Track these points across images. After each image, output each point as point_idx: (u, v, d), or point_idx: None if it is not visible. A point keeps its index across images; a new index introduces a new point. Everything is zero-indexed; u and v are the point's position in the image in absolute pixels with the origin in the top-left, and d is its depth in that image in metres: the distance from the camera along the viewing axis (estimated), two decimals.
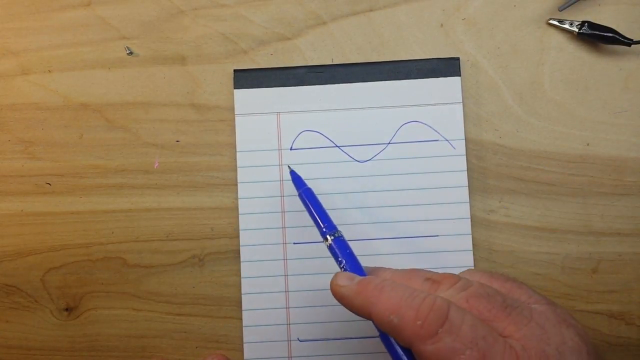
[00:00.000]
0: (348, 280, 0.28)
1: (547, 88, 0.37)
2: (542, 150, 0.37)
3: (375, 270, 0.30)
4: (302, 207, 0.36)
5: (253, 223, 0.36)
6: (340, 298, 0.28)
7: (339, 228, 0.31)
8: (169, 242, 0.37)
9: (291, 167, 0.35)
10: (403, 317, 0.25)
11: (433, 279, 0.27)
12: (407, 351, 0.26)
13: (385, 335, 0.27)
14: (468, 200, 0.36)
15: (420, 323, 0.24)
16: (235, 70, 0.37)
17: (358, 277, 0.28)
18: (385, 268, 0.30)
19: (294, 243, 0.36)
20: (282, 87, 0.37)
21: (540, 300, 0.27)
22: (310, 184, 0.36)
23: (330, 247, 0.31)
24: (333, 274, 0.36)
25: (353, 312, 0.28)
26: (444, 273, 0.27)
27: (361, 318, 0.35)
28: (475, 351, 0.23)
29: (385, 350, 0.36)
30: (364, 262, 0.36)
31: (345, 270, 0.30)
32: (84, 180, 0.37)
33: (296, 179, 0.34)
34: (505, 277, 0.28)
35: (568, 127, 0.37)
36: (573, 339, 0.25)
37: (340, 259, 0.30)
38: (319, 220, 0.32)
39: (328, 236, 0.31)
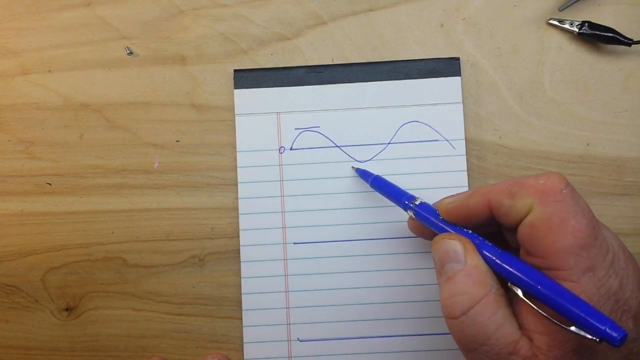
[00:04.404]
0: (451, 198, 0.28)
1: (547, 88, 0.37)
2: (542, 150, 0.37)
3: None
4: (302, 207, 0.36)
5: (253, 223, 0.36)
6: (448, 211, 0.28)
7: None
8: (169, 242, 0.37)
9: (354, 167, 0.36)
10: (523, 183, 0.25)
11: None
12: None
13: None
14: None
15: (543, 182, 0.25)
16: (235, 70, 0.37)
17: (464, 193, 0.28)
18: None
19: (294, 243, 0.36)
20: (282, 87, 0.37)
21: None
22: (310, 184, 0.36)
23: (417, 214, 0.30)
24: (333, 274, 0.36)
25: (454, 221, 0.28)
26: None
27: (362, 318, 0.35)
28: (591, 224, 0.24)
29: (387, 350, 0.36)
30: (362, 263, 0.36)
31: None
32: (84, 180, 0.37)
33: (362, 173, 0.35)
34: None
35: (568, 127, 0.37)
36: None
37: (433, 220, 0.29)
38: (397, 197, 0.32)
39: (411, 204, 0.31)
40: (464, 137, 0.36)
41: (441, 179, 0.36)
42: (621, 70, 0.37)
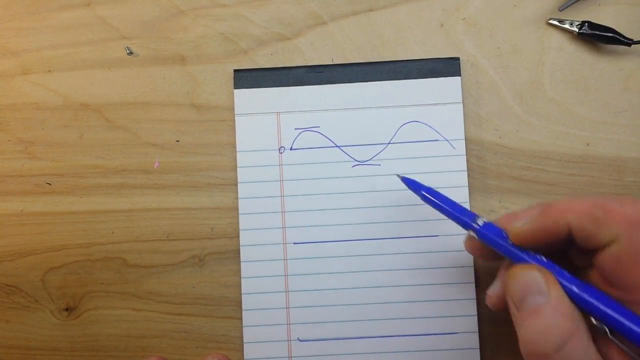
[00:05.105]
0: (521, 219, 0.27)
1: (547, 88, 0.37)
2: (542, 150, 0.37)
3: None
4: (302, 207, 0.36)
5: (253, 223, 0.36)
6: (520, 235, 0.26)
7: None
8: (169, 242, 0.37)
9: (400, 175, 0.33)
10: (608, 209, 0.24)
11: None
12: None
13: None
14: (468, 200, 0.36)
15: (631, 212, 0.24)
16: (235, 70, 0.37)
17: (532, 211, 0.27)
18: None
19: (294, 243, 0.36)
20: (282, 87, 0.37)
21: None
22: (310, 184, 0.36)
23: (481, 235, 0.28)
24: (333, 274, 0.36)
25: (528, 243, 0.26)
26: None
27: (362, 318, 0.35)
28: None
29: (387, 350, 0.36)
30: (362, 263, 0.36)
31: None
32: (84, 180, 0.37)
33: (411, 184, 0.33)
34: None
35: (568, 127, 0.37)
36: None
37: (504, 244, 0.28)
38: (457, 214, 0.30)
39: (474, 224, 0.29)
40: (464, 137, 0.36)
41: (441, 179, 0.36)
42: (621, 70, 0.37)
